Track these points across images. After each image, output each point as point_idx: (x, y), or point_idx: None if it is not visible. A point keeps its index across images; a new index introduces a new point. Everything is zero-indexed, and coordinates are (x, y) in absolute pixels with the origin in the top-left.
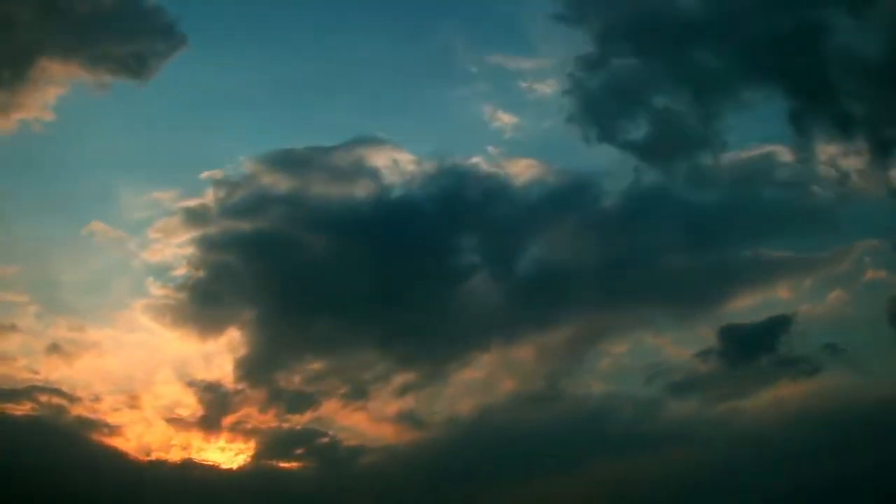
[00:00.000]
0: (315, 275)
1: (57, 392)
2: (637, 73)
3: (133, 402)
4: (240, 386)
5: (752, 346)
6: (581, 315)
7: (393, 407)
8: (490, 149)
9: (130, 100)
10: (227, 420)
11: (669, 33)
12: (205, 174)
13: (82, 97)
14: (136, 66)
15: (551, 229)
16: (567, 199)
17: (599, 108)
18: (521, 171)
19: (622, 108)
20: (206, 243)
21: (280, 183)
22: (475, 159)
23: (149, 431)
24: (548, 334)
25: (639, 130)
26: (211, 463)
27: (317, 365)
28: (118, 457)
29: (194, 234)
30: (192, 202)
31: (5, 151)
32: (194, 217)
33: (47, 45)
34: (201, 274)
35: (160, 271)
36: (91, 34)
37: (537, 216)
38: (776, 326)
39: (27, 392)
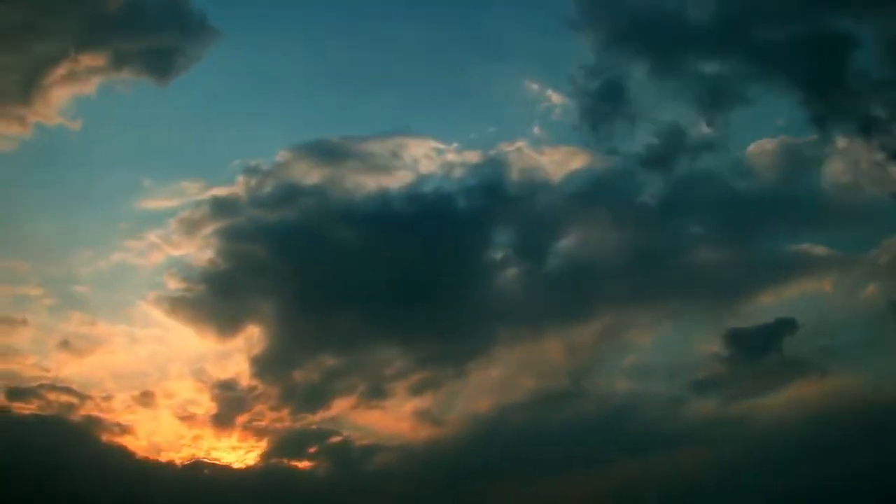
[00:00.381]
0: (339, 269)
1: (67, 390)
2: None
3: (145, 399)
4: (254, 383)
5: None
6: (606, 310)
7: (411, 405)
8: (536, 130)
9: (164, 94)
10: (241, 418)
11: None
12: (235, 163)
13: (112, 92)
14: (166, 62)
15: (584, 222)
16: (603, 190)
17: (600, 118)
18: (559, 159)
19: (624, 117)
20: (229, 235)
21: (312, 174)
22: (518, 143)
23: (160, 430)
24: (571, 330)
25: (639, 140)
26: (223, 463)
27: (334, 362)
28: (128, 456)
29: (219, 225)
30: (219, 191)
31: (33, 147)
32: (220, 207)
33: (78, 41)
34: (222, 267)
35: (181, 265)
36: (121, 29)
37: (570, 209)
38: (781, 328)
39: (37, 390)
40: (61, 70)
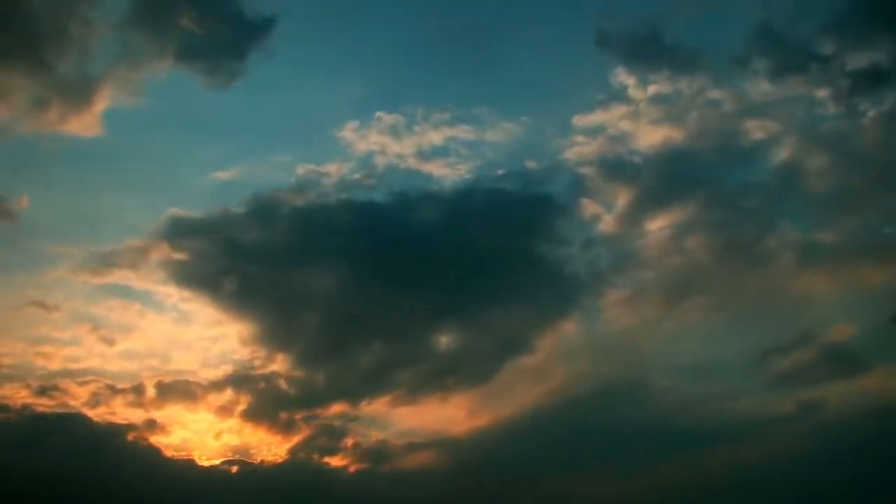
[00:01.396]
0: (410, 252)
1: (96, 381)
2: None
3: (176, 391)
4: (294, 374)
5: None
6: (679, 300)
7: (456, 399)
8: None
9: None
10: (276, 412)
11: None
12: (313, 139)
13: (181, 80)
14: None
15: (679, 202)
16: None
17: None
18: (657, 136)
19: None
20: (299, 214)
21: (398, 149)
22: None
23: (192, 423)
24: (637, 321)
25: None
26: (255, 459)
27: (381, 354)
28: (156, 453)
29: (289, 203)
30: (297, 171)
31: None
32: (297, 185)
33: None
34: (279, 248)
35: (234, 250)
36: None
37: (664, 187)
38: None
39: (63, 383)
40: (130, 56)
